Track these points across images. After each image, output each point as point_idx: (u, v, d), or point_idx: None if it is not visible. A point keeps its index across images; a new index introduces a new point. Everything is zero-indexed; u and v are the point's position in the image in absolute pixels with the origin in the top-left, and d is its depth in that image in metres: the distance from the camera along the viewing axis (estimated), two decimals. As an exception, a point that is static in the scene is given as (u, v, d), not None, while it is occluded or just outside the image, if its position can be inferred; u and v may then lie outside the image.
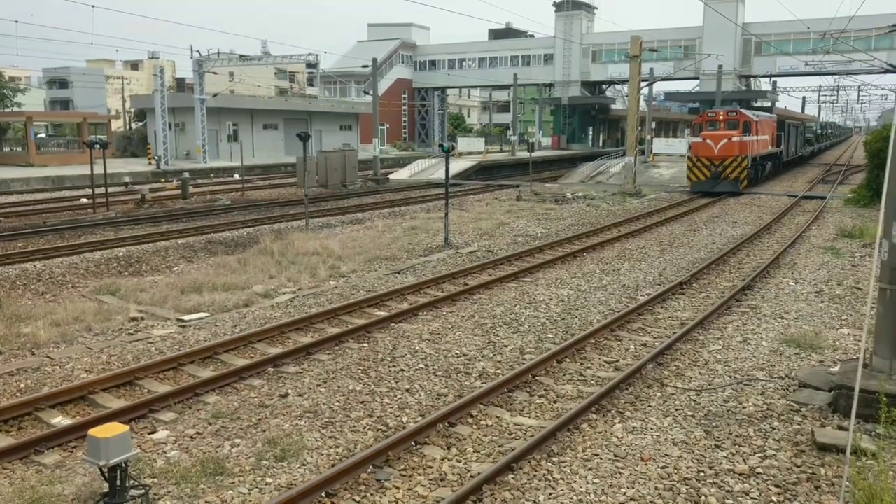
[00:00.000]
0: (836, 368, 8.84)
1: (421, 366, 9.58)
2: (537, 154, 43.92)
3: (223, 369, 9.32)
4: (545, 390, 8.77)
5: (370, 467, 6.68)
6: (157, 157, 44.56)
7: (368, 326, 11.17)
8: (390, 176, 42.73)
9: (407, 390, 8.73)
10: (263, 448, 7.13)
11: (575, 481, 6.52)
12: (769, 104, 62.57)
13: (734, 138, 31.67)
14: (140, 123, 61.38)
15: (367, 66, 43.71)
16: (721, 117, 32.69)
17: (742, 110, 34.11)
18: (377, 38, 74.79)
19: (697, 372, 9.36)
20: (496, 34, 76.57)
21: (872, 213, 24.04)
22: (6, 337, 10.58)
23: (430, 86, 76.58)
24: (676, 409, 8.11)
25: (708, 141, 32.17)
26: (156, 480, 6.49)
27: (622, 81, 62.11)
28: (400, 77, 74.67)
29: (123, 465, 5.73)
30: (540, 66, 70.09)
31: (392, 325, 11.46)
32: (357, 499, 6.23)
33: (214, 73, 47.16)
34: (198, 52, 47.18)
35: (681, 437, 7.40)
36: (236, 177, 40.64)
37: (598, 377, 9.22)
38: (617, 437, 7.42)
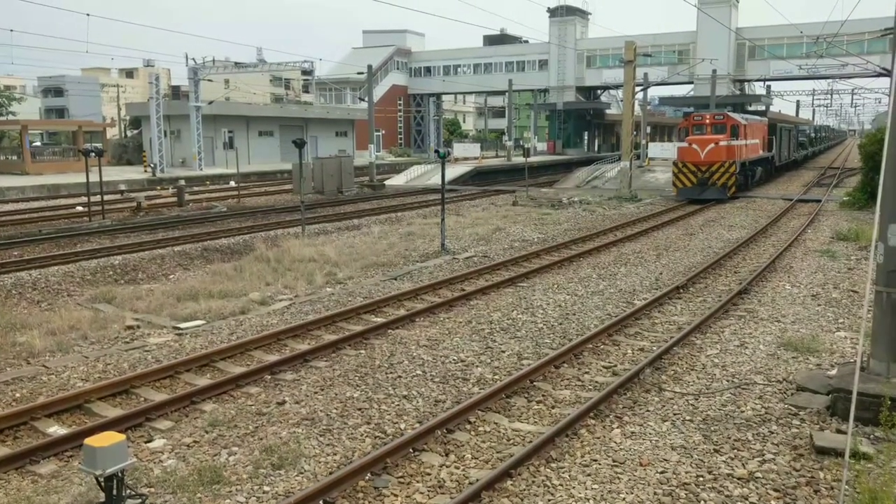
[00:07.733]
0: (834, 372, 8.84)
1: (418, 372, 9.56)
2: (533, 159, 44.04)
3: (220, 377, 9.30)
4: (543, 396, 8.76)
5: (368, 475, 6.66)
6: (152, 165, 44.56)
7: (365, 333, 11.15)
8: (386, 182, 42.77)
9: (404, 397, 8.70)
10: (261, 456, 7.10)
11: (574, 487, 6.50)
12: (763, 108, 62.80)
13: (721, 143, 30.12)
14: (135, 131, 61.28)
15: (362, 73, 43.79)
16: (707, 121, 31.08)
17: (730, 113, 32.59)
18: (372, 45, 74.96)
19: (695, 376, 9.35)
20: (491, 40, 76.74)
21: (868, 215, 24.07)
22: (1, 346, 10.54)
23: (426, 92, 76.77)
24: (675, 414, 8.10)
25: (694, 146, 30.50)
26: (153, 489, 6.46)
27: (617, 86, 62.24)
28: (395, 83, 74.84)
29: (120, 474, 5.69)
30: (535, 72, 70.33)
31: (389, 331, 11.44)
32: (355, 506, 6.20)
33: (210, 80, 47.36)
34: (193, 59, 47.32)
35: (679, 441, 7.39)
36: (232, 184, 40.58)
37: (596, 382, 9.21)
38: (615, 442, 7.41)
